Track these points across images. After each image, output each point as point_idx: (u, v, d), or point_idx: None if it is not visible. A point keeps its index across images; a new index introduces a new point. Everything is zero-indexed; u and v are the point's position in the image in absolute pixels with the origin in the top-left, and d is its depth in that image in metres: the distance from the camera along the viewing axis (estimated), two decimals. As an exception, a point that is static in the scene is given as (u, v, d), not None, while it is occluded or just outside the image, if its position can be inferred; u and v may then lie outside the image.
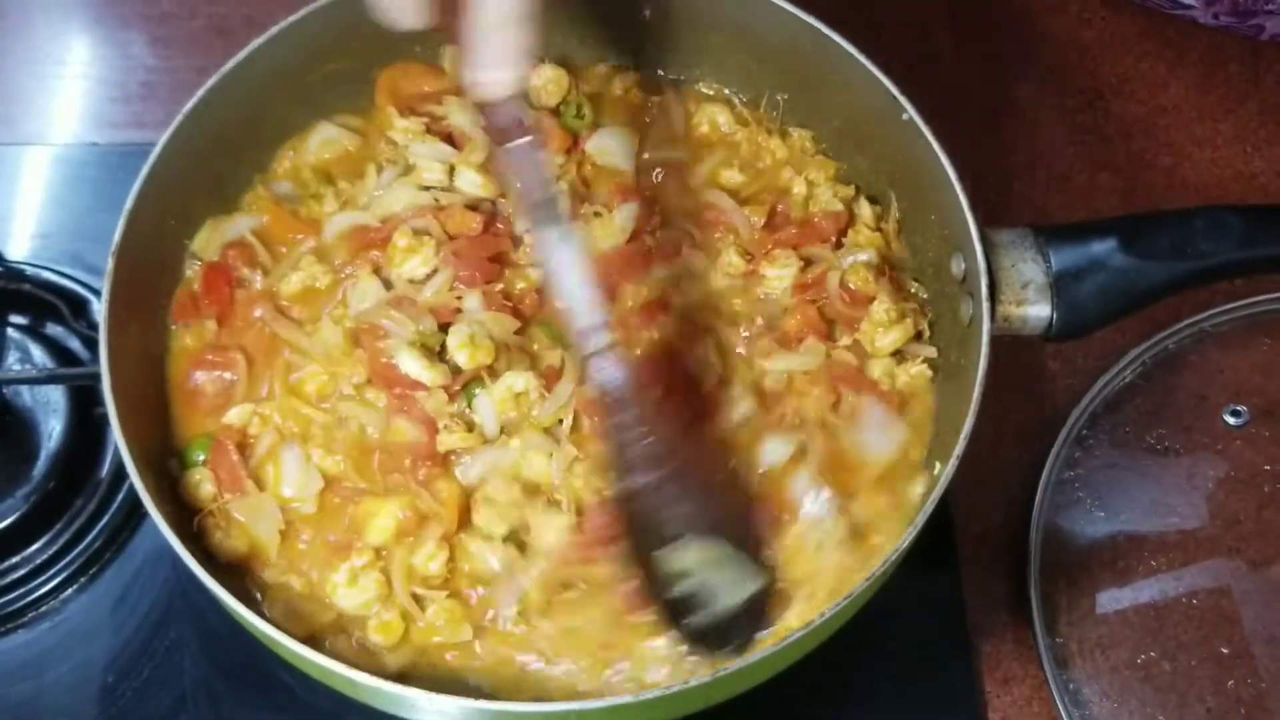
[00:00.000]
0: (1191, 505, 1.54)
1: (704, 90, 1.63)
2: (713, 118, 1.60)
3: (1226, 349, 1.63)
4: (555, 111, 1.57)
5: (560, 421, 1.36)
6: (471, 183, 1.49)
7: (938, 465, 1.36)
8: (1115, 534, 1.53)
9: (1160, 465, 1.57)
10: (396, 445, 1.36)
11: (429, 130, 1.53)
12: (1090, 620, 1.49)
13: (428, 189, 1.49)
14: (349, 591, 1.31)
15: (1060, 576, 1.51)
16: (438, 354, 1.38)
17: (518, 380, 1.36)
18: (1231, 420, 1.57)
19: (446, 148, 1.51)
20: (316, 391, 1.39)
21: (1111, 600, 1.50)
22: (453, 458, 1.36)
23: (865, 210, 1.53)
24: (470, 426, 1.36)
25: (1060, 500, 1.54)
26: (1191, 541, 1.52)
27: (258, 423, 1.38)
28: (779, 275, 1.46)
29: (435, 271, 1.42)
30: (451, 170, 1.50)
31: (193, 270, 1.48)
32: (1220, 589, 1.48)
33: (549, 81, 1.57)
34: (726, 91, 1.62)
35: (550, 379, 1.37)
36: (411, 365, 1.36)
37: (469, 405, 1.37)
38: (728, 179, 1.56)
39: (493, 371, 1.37)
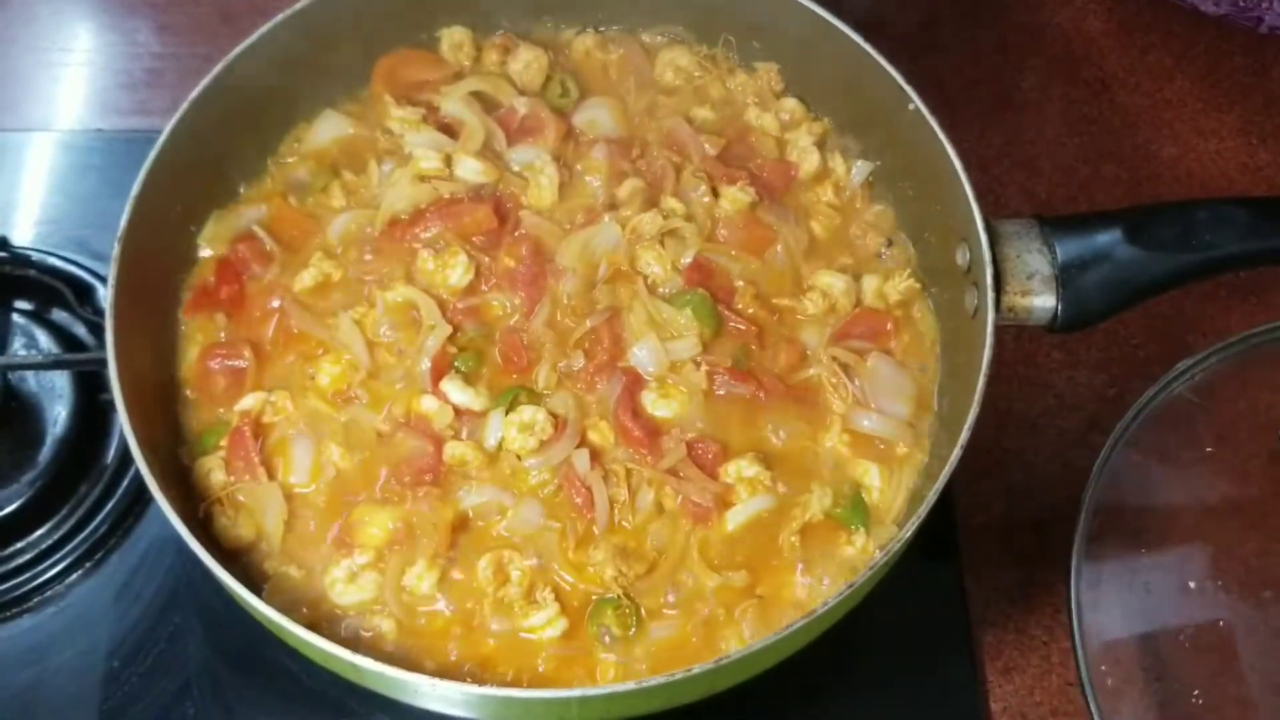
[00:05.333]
0: (1234, 533, 1.48)
1: (659, 38, 1.64)
2: (674, 62, 1.61)
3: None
4: (540, 93, 1.58)
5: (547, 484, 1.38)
6: (471, 170, 1.50)
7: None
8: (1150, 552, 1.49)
9: (1206, 483, 1.51)
10: (401, 456, 1.37)
11: (427, 119, 1.54)
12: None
13: (426, 179, 1.50)
14: (347, 589, 1.32)
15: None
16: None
17: (537, 413, 1.37)
18: None
19: (442, 137, 1.52)
20: (331, 385, 1.40)
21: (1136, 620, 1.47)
22: (455, 476, 1.37)
23: (839, 166, 1.55)
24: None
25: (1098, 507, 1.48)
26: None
27: (271, 411, 1.39)
28: (734, 199, 1.50)
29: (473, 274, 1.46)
30: (449, 159, 1.51)
31: (202, 262, 1.48)
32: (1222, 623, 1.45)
33: (529, 63, 1.58)
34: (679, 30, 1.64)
35: (557, 430, 1.38)
36: (459, 395, 1.38)
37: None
38: (699, 116, 1.59)
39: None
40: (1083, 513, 1.44)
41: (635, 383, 1.41)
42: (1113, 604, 1.45)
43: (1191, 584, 1.46)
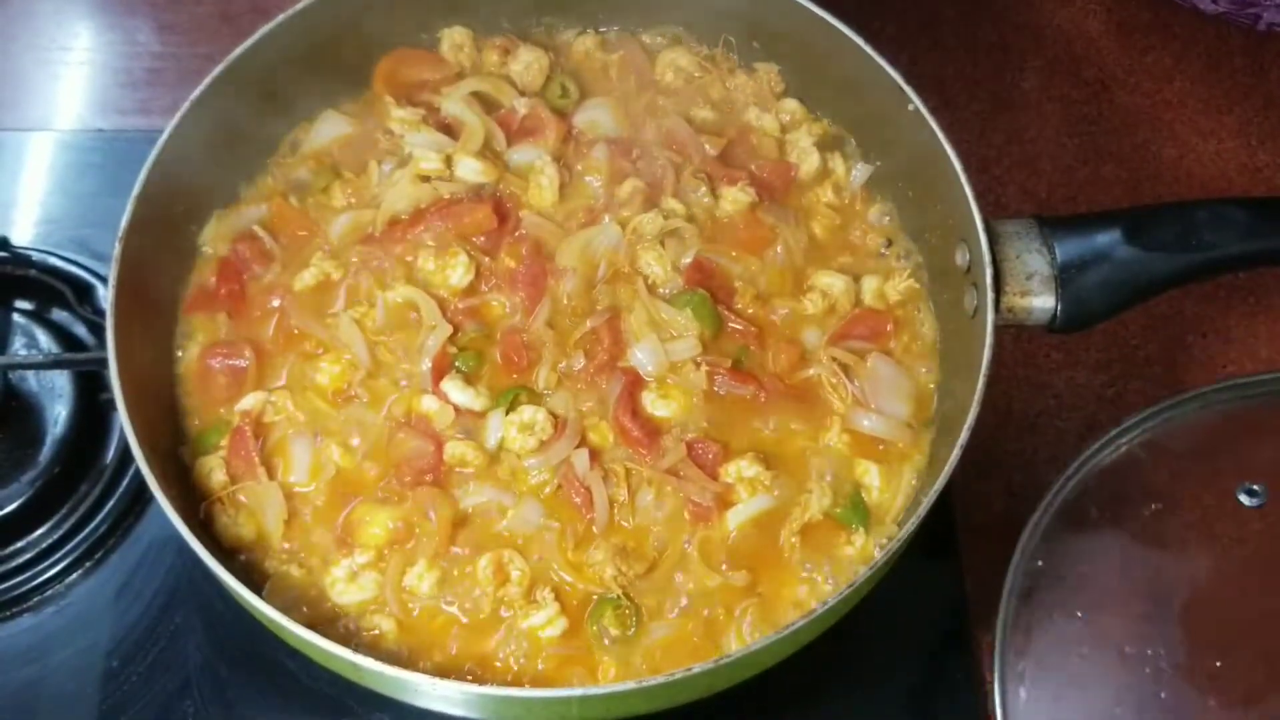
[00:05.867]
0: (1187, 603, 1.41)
1: (659, 39, 1.64)
2: (675, 63, 1.61)
3: (1237, 423, 1.51)
4: (541, 94, 1.58)
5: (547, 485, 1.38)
6: (472, 170, 1.51)
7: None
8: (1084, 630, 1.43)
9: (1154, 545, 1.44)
10: (402, 456, 1.37)
11: (427, 120, 1.54)
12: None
13: (427, 179, 1.50)
14: (348, 588, 1.32)
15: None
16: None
17: (537, 413, 1.38)
18: (1247, 500, 1.44)
19: (443, 137, 1.52)
20: (331, 384, 1.40)
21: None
22: (456, 475, 1.37)
23: (839, 166, 1.56)
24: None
25: (1032, 585, 1.45)
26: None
27: (271, 410, 1.40)
28: (734, 199, 1.51)
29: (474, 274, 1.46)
30: (449, 159, 1.51)
31: (202, 261, 1.49)
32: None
33: (529, 64, 1.58)
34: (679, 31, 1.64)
35: (557, 430, 1.38)
36: (460, 395, 1.38)
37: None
38: (699, 117, 1.59)
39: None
40: (1010, 575, 1.43)
41: (635, 383, 1.41)
42: (1043, 688, 1.41)
43: (1129, 649, 1.41)
